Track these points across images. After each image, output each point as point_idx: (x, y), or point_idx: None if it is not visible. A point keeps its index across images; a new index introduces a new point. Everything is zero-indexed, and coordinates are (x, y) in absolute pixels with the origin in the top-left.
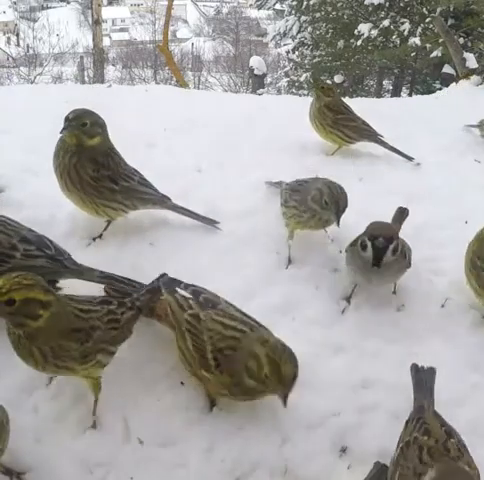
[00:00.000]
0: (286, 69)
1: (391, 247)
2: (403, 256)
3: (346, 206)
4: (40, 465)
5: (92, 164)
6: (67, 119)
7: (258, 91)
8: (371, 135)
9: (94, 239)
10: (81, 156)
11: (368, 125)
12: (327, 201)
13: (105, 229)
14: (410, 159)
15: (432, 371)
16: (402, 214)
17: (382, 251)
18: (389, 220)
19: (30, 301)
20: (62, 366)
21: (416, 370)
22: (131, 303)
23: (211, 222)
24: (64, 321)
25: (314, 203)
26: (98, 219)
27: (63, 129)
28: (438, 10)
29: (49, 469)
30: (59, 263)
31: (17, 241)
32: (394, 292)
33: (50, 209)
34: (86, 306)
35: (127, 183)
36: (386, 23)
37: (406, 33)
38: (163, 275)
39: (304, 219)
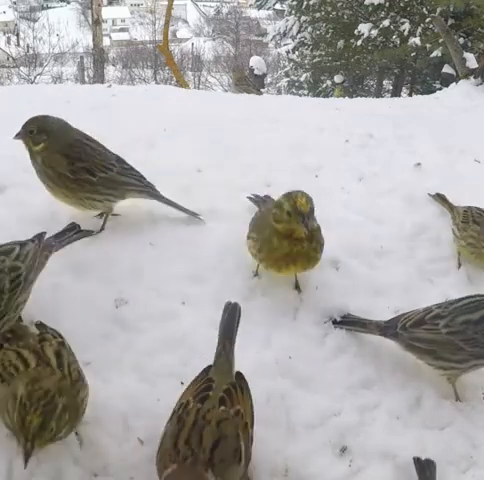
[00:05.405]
0: (286, 69)
1: None
2: None
3: None
4: (40, 465)
5: (65, 158)
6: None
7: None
8: None
9: (96, 232)
10: (50, 154)
11: None
12: None
13: (104, 222)
14: None
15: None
16: None
17: None
18: (389, 220)
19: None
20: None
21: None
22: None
23: (194, 214)
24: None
25: None
26: (98, 218)
27: (16, 135)
28: (438, 10)
29: (49, 469)
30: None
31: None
32: None
33: (50, 208)
34: None
35: (105, 174)
36: (386, 23)
37: (406, 33)
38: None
39: None
